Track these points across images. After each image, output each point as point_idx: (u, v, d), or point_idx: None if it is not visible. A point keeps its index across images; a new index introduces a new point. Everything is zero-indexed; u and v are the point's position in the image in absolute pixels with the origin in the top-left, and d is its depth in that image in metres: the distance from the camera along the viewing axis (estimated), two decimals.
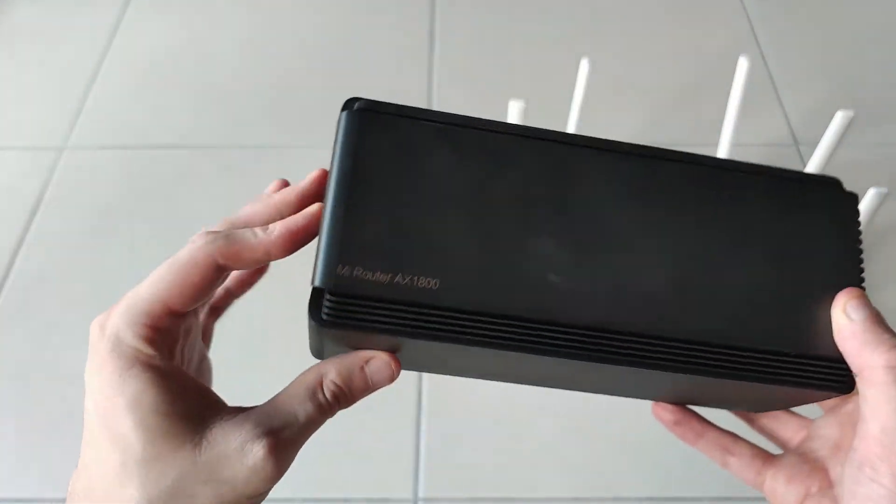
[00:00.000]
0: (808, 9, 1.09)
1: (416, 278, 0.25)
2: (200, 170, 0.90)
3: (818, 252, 0.27)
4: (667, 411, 0.33)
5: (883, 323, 0.26)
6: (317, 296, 0.25)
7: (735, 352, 0.26)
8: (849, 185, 0.29)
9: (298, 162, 0.90)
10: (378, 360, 0.27)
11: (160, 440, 0.24)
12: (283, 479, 0.26)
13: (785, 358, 0.27)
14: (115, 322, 0.25)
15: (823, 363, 0.27)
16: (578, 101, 0.75)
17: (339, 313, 0.25)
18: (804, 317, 0.27)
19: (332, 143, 0.27)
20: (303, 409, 0.25)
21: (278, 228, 0.26)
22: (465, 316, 0.25)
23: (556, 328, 0.25)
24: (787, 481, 0.29)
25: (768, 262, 0.27)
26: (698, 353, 0.26)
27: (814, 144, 0.72)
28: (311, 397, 0.26)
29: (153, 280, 0.25)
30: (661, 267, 0.26)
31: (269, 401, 0.26)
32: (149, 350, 0.25)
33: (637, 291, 0.26)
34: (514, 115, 0.67)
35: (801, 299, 0.27)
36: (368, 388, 0.27)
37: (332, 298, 0.25)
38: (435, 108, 0.94)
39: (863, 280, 0.27)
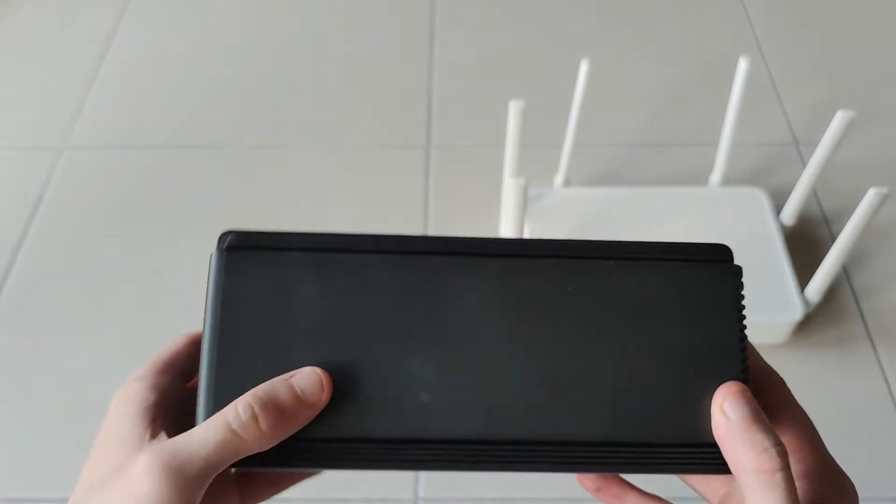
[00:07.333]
0: (808, 9, 1.09)
1: None
2: (200, 170, 0.90)
3: (695, 337, 0.27)
4: (588, 479, 0.33)
5: (759, 421, 0.25)
6: None
7: (612, 448, 0.27)
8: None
9: (299, 162, 0.90)
10: (304, 371, 0.26)
11: None
12: None
13: (662, 448, 0.27)
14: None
15: (702, 449, 0.27)
16: (578, 102, 0.75)
17: None
18: (681, 406, 0.27)
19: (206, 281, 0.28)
20: (212, 430, 0.25)
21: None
22: (340, 444, 0.26)
23: (433, 445, 0.27)
24: None
25: (644, 353, 0.27)
26: (576, 453, 0.27)
27: (814, 144, 0.72)
28: (221, 418, 0.25)
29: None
30: (532, 371, 0.27)
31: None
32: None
33: (510, 399, 0.27)
34: (514, 115, 0.67)
35: (677, 388, 0.27)
36: (298, 397, 0.25)
37: None
38: (434, 107, 0.94)
39: (745, 364, 0.27)
